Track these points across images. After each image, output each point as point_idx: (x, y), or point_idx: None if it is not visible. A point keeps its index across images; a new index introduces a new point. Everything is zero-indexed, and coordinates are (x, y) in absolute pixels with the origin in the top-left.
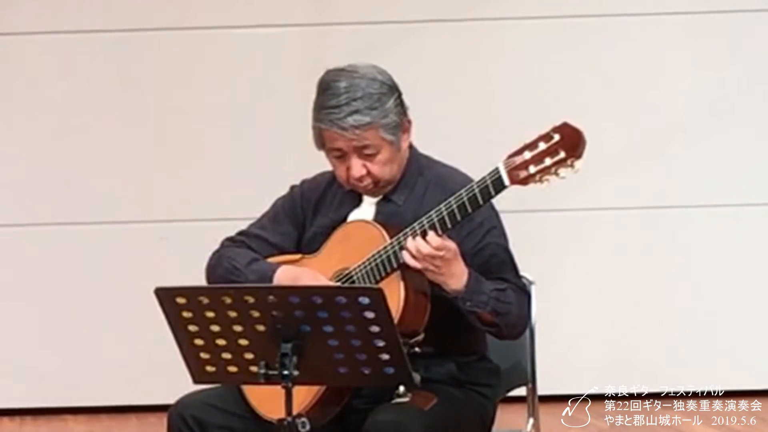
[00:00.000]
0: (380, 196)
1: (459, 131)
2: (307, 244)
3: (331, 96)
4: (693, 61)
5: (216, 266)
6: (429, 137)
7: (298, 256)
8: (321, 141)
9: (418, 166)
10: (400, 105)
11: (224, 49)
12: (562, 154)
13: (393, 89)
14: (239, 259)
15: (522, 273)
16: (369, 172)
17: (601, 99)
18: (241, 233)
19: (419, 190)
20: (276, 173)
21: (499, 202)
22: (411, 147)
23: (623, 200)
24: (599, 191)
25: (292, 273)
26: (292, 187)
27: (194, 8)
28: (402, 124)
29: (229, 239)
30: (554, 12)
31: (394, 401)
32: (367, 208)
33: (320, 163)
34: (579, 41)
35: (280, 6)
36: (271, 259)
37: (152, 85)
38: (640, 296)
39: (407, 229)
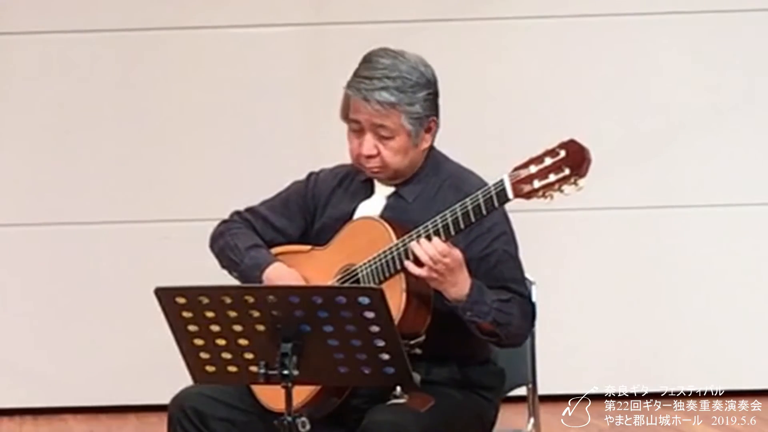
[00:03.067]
0: (392, 190)
1: (457, 131)
2: (316, 234)
3: (369, 68)
4: (693, 61)
5: (219, 237)
6: None
7: (308, 248)
8: (346, 110)
9: (435, 164)
10: (431, 102)
11: (224, 49)
12: (567, 171)
13: (430, 84)
14: (243, 239)
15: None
16: (379, 154)
17: (601, 99)
18: (249, 210)
19: (432, 189)
20: (276, 173)
21: None
22: (431, 147)
23: (623, 200)
24: (599, 191)
25: (278, 273)
26: (310, 174)
27: (194, 8)
28: (427, 120)
29: (238, 213)
30: (554, 12)
31: (390, 402)
32: (377, 201)
33: (321, 163)
34: (579, 41)
35: (279, 6)
36: (280, 248)
37: (152, 85)
38: (640, 296)
39: (413, 232)
